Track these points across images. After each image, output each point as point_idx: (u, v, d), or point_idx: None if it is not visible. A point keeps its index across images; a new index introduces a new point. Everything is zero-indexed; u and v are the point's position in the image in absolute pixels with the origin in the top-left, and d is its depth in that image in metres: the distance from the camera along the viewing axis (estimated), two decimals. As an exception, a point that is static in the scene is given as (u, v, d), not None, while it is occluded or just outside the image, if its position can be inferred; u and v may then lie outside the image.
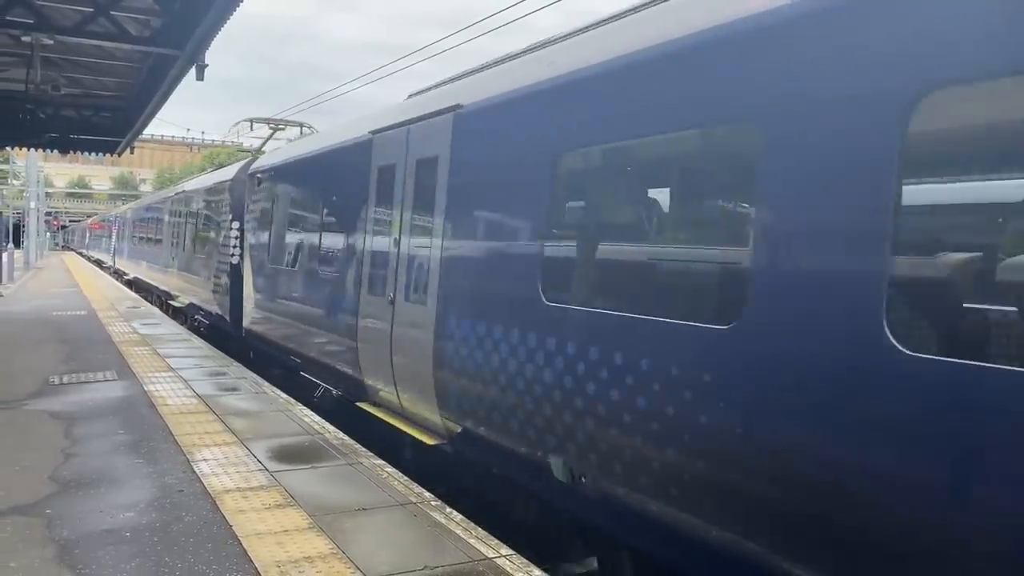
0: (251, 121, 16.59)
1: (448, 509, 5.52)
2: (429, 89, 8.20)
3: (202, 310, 16.42)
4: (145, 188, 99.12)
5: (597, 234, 5.48)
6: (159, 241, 23.18)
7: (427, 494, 5.82)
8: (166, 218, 22.12)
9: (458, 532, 5.06)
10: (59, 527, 4.95)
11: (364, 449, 7.08)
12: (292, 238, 10.78)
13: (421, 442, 6.87)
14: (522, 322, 5.36)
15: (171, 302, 20.46)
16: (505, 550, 4.80)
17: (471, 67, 7.57)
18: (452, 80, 7.75)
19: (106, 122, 17.46)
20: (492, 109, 6.18)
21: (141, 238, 28.38)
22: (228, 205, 14.42)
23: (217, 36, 9.50)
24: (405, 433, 7.20)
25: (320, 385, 9.68)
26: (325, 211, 9.61)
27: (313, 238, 9.83)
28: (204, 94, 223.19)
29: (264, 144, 16.89)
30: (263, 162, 13.05)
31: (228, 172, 15.71)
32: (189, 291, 17.73)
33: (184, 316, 18.85)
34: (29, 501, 5.41)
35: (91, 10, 9.66)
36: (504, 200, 5.94)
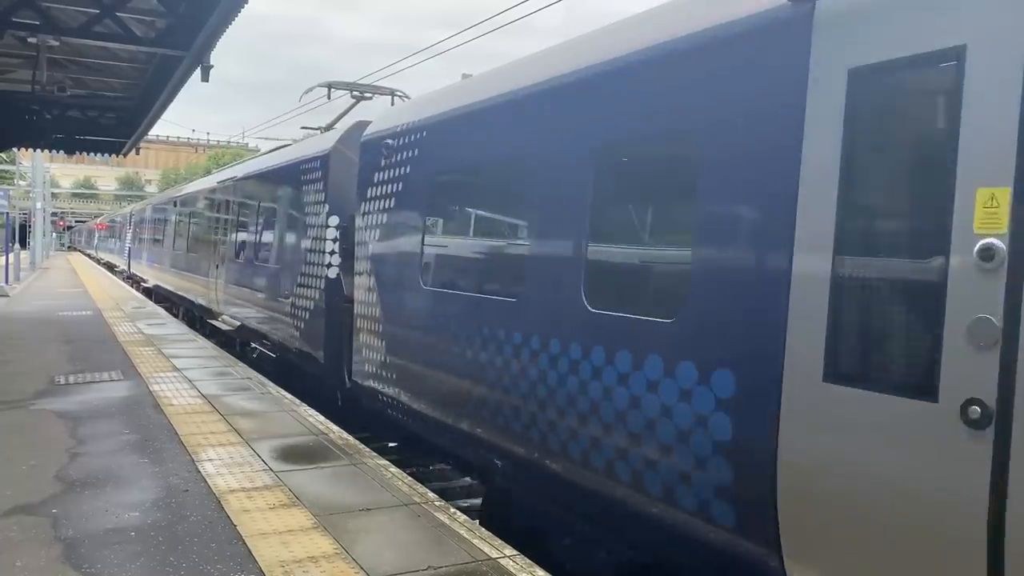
0: (329, 86, 12.75)
1: (452, 510, 5.52)
2: None
3: (268, 340, 11.98)
4: (150, 189, 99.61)
5: None
6: (197, 242, 18.43)
7: (431, 494, 5.82)
8: (208, 213, 17.59)
9: (462, 532, 5.07)
10: (65, 526, 4.97)
11: (368, 449, 7.09)
12: (509, 244, 6.34)
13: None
14: None
15: (212, 322, 15.68)
16: (509, 550, 4.79)
17: None
18: None
19: (111, 123, 17.56)
20: None
21: (165, 240, 23.30)
22: (320, 192, 9.96)
23: (222, 37, 9.54)
24: None
25: (579, 527, 5.59)
26: (615, 191, 5.12)
27: (572, 242, 5.21)
28: (208, 95, 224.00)
29: (339, 119, 12.74)
30: (396, 120, 8.11)
31: (319, 143, 10.77)
32: (245, 311, 13.43)
33: (236, 344, 14.32)
34: (35, 500, 5.44)
35: (97, 11, 9.70)
36: None
